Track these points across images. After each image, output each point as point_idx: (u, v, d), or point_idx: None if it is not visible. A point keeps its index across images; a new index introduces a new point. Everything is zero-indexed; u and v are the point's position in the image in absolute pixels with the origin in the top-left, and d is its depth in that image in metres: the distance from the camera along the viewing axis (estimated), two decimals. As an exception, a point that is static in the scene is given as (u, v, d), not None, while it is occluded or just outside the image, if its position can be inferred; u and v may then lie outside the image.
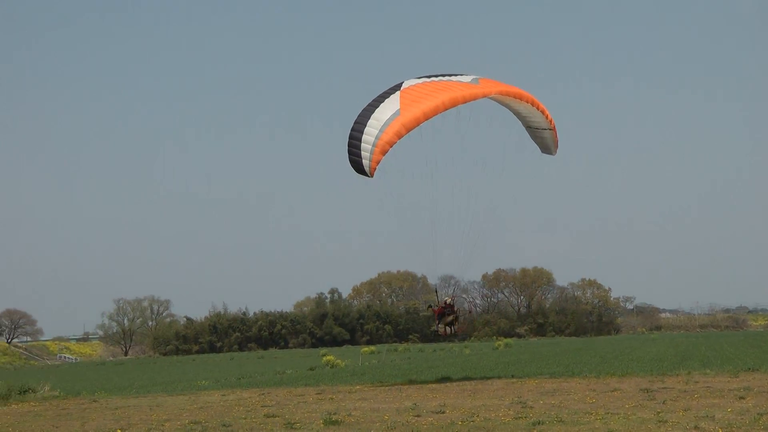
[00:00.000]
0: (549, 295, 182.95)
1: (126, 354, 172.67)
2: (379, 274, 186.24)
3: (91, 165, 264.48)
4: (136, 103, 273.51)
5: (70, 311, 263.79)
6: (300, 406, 29.29)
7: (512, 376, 37.90)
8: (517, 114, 26.42)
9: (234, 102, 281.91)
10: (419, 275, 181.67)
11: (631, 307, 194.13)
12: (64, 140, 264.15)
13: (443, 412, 24.96)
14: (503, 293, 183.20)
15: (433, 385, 35.84)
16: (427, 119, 21.76)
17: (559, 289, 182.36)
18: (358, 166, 21.17)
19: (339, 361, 65.15)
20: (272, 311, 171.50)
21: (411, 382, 38.44)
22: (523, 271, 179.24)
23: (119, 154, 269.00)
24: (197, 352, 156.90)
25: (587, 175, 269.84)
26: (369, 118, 21.70)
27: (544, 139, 27.09)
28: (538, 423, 21.27)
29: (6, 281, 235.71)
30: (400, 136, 21.26)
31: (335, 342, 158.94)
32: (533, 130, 26.87)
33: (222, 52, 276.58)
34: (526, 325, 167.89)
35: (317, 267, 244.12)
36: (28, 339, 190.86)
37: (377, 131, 21.07)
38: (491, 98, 25.38)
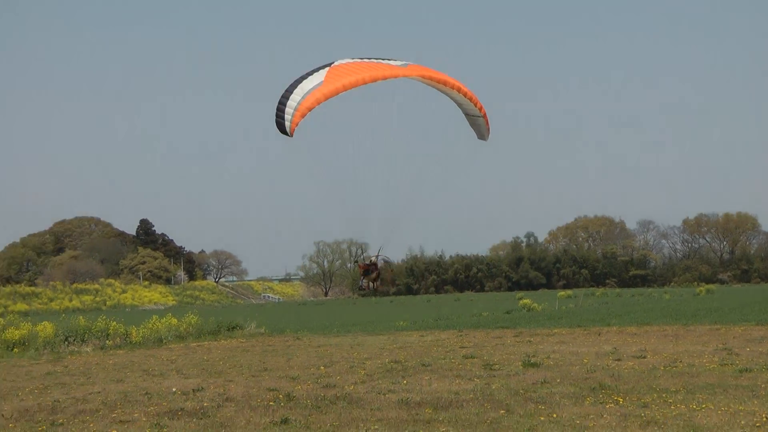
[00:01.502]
0: (754, 241, 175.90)
1: (326, 294, 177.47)
2: (575, 219, 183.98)
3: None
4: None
5: (273, 253, 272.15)
6: (498, 348, 29.39)
7: (716, 323, 36.75)
8: (456, 103, 28.07)
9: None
10: (617, 219, 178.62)
11: None
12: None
13: (644, 357, 24.51)
14: (705, 239, 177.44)
15: (633, 329, 35.21)
16: (345, 90, 24.41)
17: (765, 234, 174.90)
18: (281, 127, 24.03)
19: (535, 304, 64.94)
20: (468, 255, 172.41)
21: (609, 326, 37.89)
22: (726, 216, 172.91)
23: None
24: (394, 294, 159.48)
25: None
26: (296, 88, 24.48)
27: (479, 126, 28.82)
28: (746, 370, 20.58)
29: (215, 225, 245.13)
30: (318, 102, 24.01)
31: (531, 286, 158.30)
32: (469, 117, 28.63)
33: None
34: (729, 271, 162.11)
35: (513, 211, 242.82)
36: (234, 279, 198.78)
37: (300, 98, 24.00)
38: (426, 84, 27.19)
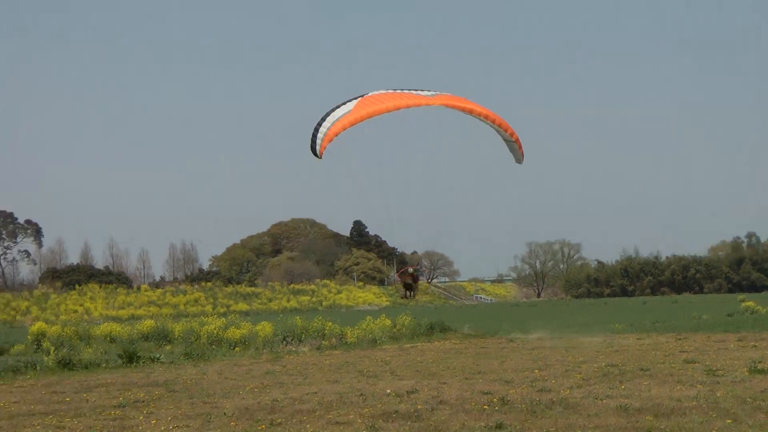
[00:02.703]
0: None
1: (539, 296, 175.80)
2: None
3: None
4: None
5: (485, 254, 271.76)
6: (720, 353, 28.10)
7: None
8: (493, 129, 29.51)
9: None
10: None
11: None
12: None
13: None
14: None
15: None
16: (369, 117, 27.00)
17: None
18: (313, 150, 27.13)
19: (759, 307, 61.97)
20: (685, 255, 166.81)
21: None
22: None
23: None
24: (608, 295, 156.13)
25: None
26: (328, 116, 27.37)
27: (514, 151, 30.10)
28: None
29: (427, 226, 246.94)
30: (344, 128, 26.76)
31: (753, 288, 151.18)
32: (506, 142, 29.92)
33: None
34: None
35: (734, 210, 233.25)
36: (447, 280, 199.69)
37: (329, 125, 26.95)
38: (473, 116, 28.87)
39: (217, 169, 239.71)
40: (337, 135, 27.04)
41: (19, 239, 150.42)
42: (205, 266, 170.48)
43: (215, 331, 40.01)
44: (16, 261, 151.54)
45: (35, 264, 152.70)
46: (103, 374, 28.90)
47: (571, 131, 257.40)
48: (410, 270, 37.40)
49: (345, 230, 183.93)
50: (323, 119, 27.57)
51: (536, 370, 24.87)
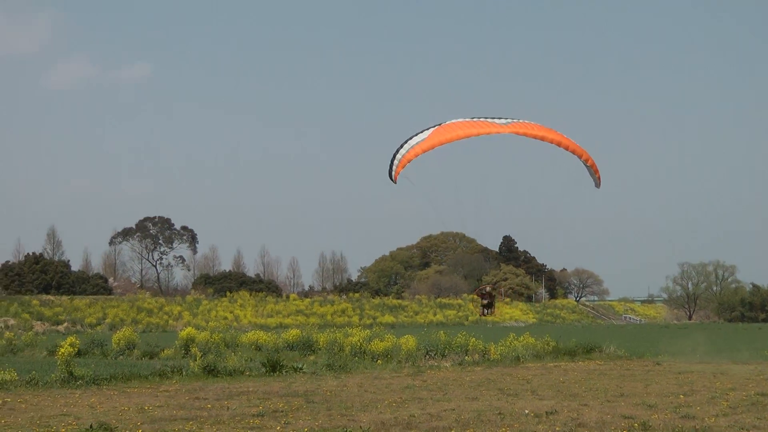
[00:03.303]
0: None
1: (690, 318, 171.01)
2: None
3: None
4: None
5: (636, 273, 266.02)
6: None
7: None
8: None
9: None
10: None
11: None
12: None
13: None
14: None
15: None
16: (441, 145, 29.17)
17: None
18: (390, 175, 29.49)
19: None
20: None
21: None
22: None
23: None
24: (764, 320, 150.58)
25: None
26: (404, 144, 29.65)
27: (591, 175, 31.15)
28: None
29: (577, 243, 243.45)
30: (416, 155, 29.06)
31: None
32: (585, 166, 31.06)
33: None
34: None
35: None
36: (596, 298, 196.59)
37: (405, 152, 29.28)
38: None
39: (369, 181, 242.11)
40: (410, 161, 29.31)
41: (175, 245, 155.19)
42: (354, 277, 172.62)
43: (359, 343, 40.34)
44: (171, 266, 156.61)
45: (189, 270, 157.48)
46: (245, 382, 29.47)
47: (727, 149, 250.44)
48: (487, 289, 41.17)
49: (494, 245, 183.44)
50: (401, 146, 29.77)
51: (681, 396, 24.17)
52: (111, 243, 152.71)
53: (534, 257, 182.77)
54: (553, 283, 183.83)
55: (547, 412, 20.43)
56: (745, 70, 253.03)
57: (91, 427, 18.22)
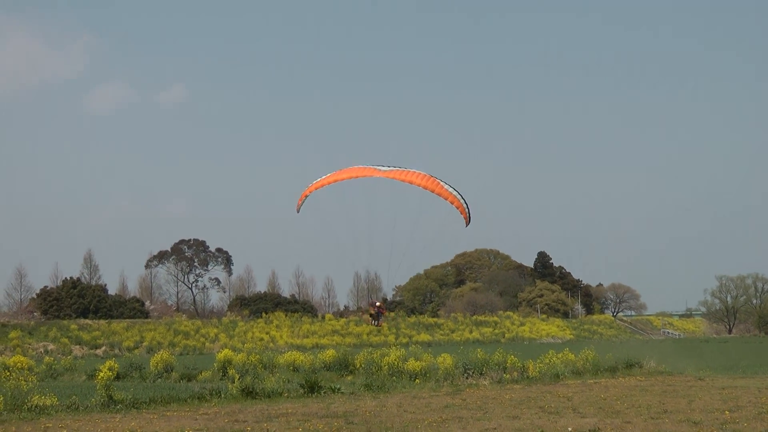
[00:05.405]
0: None
1: (729, 332, 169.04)
2: None
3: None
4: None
5: (673, 287, 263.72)
6: None
7: None
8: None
9: None
10: None
11: None
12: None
13: None
14: None
15: None
16: (329, 184, 35.45)
17: None
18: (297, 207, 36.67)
19: None
20: None
21: None
22: None
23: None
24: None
25: None
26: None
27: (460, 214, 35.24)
28: None
29: (613, 258, 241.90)
30: (310, 191, 35.86)
31: None
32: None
33: None
34: None
35: None
36: (633, 313, 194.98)
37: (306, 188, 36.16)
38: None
39: (403, 201, 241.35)
40: (307, 196, 35.71)
41: (210, 267, 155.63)
42: (389, 296, 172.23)
43: (396, 362, 40.11)
44: (207, 288, 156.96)
45: (225, 291, 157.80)
46: (284, 403, 29.35)
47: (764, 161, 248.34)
48: (377, 303, 45.75)
49: (529, 261, 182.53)
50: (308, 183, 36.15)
51: (726, 412, 23.79)
52: (147, 266, 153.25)
53: (569, 273, 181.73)
54: (590, 299, 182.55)
55: (590, 430, 20.17)
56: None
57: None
